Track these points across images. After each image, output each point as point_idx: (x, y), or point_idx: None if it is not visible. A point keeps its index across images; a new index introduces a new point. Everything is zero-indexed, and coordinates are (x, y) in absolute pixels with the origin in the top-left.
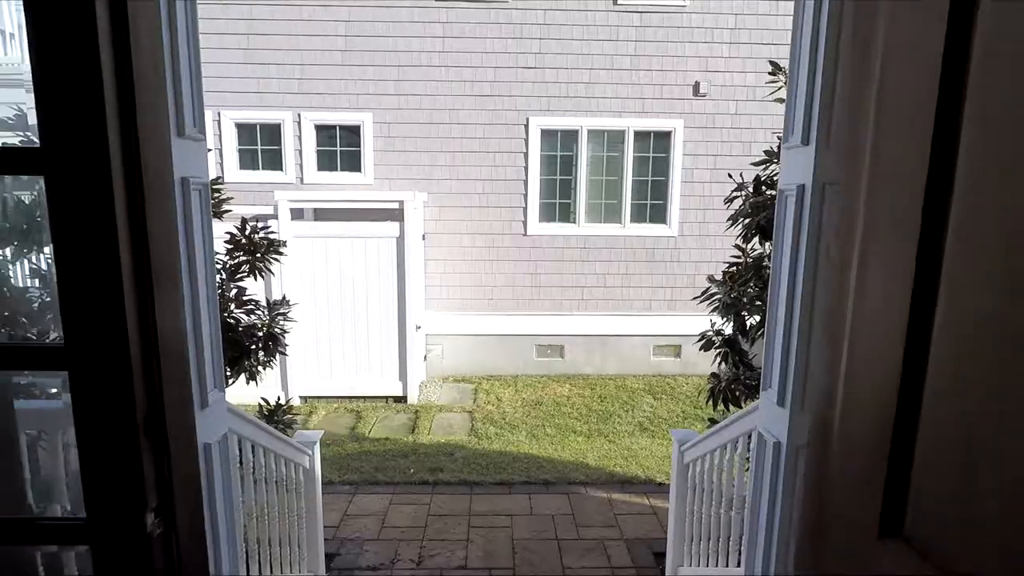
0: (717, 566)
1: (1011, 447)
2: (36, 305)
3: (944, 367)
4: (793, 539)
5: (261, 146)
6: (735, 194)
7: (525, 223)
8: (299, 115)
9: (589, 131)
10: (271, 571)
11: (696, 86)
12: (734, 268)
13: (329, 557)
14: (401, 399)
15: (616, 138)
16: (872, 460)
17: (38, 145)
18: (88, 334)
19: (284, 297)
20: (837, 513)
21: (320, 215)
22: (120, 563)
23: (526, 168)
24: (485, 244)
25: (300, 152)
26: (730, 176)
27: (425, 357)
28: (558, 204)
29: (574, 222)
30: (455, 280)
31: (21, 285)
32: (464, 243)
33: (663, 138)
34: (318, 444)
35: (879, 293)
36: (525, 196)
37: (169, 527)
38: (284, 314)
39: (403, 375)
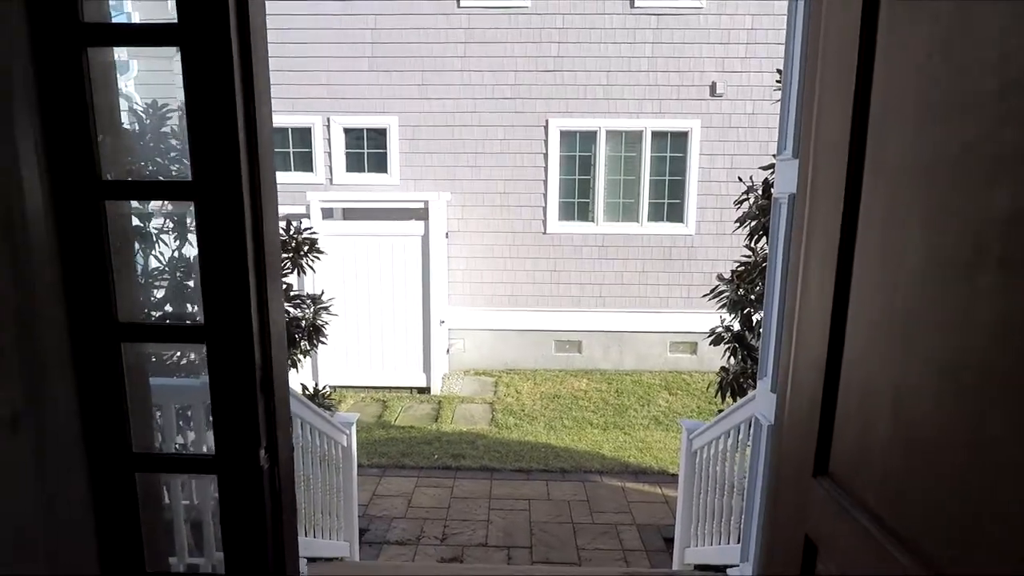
0: (720, 544)
1: (894, 405)
2: None
3: (853, 347)
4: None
5: (293, 148)
6: (744, 196)
7: (545, 222)
8: (328, 119)
9: (607, 132)
10: (314, 536)
11: (713, 86)
12: (742, 267)
13: (360, 532)
14: (424, 390)
15: (634, 138)
16: (809, 420)
17: (191, 179)
18: (222, 315)
19: (322, 292)
20: (787, 459)
21: (348, 214)
22: (239, 488)
23: (546, 168)
24: (506, 242)
25: (330, 154)
26: (740, 179)
27: (448, 350)
28: (577, 203)
29: (592, 221)
30: (477, 277)
31: None
32: (486, 241)
33: (680, 138)
34: (354, 425)
35: (814, 289)
36: (545, 195)
37: (273, 462)
38: (327, 308)
39: (427, 367)
